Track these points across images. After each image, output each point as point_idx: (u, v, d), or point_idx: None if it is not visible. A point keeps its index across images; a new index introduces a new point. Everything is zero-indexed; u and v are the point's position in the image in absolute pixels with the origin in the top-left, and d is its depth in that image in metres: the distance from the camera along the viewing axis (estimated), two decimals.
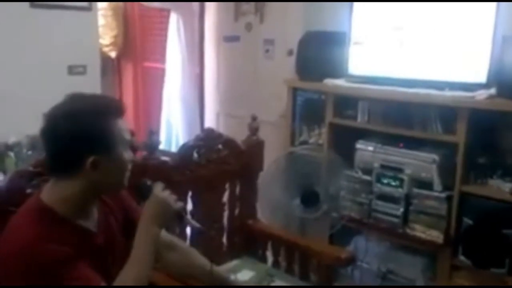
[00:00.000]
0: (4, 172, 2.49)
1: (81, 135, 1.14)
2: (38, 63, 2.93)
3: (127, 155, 1.24)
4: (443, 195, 2.22)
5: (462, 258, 2.18)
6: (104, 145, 1.17)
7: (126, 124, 1.24)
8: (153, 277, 1.44)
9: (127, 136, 1.24)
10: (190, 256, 1.53)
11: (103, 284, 1.15)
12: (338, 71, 2.56)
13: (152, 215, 1.26)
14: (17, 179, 1.40)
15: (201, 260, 1.54)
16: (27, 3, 2.87)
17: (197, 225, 1.46)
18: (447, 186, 2.22)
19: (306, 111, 2.78)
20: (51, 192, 1.19)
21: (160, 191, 1.29)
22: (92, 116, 1.16)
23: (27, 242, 1.09)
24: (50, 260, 1.08)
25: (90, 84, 3.11)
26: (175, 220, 1.36)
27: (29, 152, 2.60)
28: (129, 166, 1.26)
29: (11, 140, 2.63)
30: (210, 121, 3.79)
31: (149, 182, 1.33)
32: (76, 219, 1.20)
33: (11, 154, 2.61)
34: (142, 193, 1.31)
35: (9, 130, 2.61)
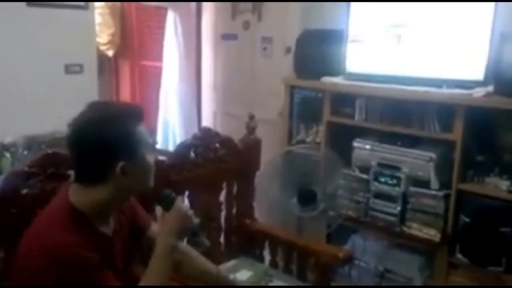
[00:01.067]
0: (0, 172, 2.48)
1: (109, 142, 1.16)
2: (34, 62, 2.91)
3: (151, 157, 1.26)
4: (440, 193, 2.22)
5: (459, 256, 2.18)
6: (131, 151, 1.19)
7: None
8: None
9: (149, 140, 1.27)
10: (192, 258, 1.53)
11: None
12: (335, 69, 2.55)
13: (172, 228, 1.29)
14: (12, 180, 1.40)
15: (203, 261, 1.56)
16: (23, 2, 2.86)
17: (207, 243, 1.48)
18: (444, 184, 2.22)
19: (304, 109, 2.78)
20: (81, 196, 1.20)
21: (182, 205, 1.33)
22: (117, 123, 1.18)
23: (62, 246, 1.10)
24: (84, 266, 1.11)
25: (87, 83, 3.09)
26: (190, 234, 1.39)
27: (25, 152, 2.58)
28: (154, 168, 1.29)
29: (7, 140, 2.61)
30: (207, 120, 3.79)
31: (172, 194, 1.34)
32: (99, 225, 1.23)
33: (7, 154, 2.59)
34: (164, 204, 1.33)
35: (5, 130, 2.59)
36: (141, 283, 1.23)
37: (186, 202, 1.97)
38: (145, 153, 1.23)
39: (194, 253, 1.55)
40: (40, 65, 2.94)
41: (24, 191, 1.38)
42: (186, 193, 1.96)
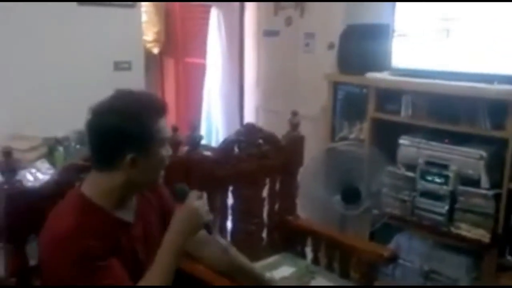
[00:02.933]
0: (54, 166, 2.59)
1: (124, 132, 1.17)
2: (85, 59, 3.03)
3: (165, 152, 1.27)
4: (490, 192, 2.14)
5: (509, 258, 2.10)
6: (144, 144, 1.20)
7: (165, 121, 1.26)
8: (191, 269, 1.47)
9: (167, 134, 1.28)
10: (227, 252, 1.54)
11: (130, 284, 1.19)
12: (380, 64, 2.50)
13: (181, 223, 1.26)
14: (66, 173, 1.46)
15: (239, 257, 1.56)
16: (74, 1, 2.97)
17: (222, 241, 1.45)
18: (495, 184, 2.14)
19: (347, 105, 2.74)
20: (91, 184, 1.24)
21: (194, 200, 1.29)
22: (136, 114, 1.19)
23: (66, 232, 1.14)
24: (85, 253, 1.13)
25: (135, 80, 3.19)
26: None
27: (77, 146, 2.69)
28: (165, 164, 1.28)
29: (60, 134, 2.73)
30: (249, 116, 3.80)
31: (186, 188, 1.34)
32: (114, 211, 1.25)
33: (60, 148, 2.71)
34: (178, 197, 1.33)
35: (58, 125, 2.71)
36: (143, 281, 1.22)
37: (230, 197, 2.00)
38: (159, 148, 1.23)
39: (233, 250, 1.56)
40: (91, 62, 3.05)
41: (77, 184, 1.44)
42: (230, 188, 1.99)
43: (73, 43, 2.99)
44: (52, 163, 2.63)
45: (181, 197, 1.31)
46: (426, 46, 2.35)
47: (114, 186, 1.22)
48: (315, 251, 2.12)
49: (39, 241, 1.22)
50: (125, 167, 1.19)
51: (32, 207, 1.36)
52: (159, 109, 1.24)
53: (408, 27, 2.40)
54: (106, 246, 1.17)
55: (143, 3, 3.62)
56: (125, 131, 1.17)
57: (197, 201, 1.29)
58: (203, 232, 1.35)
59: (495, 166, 2.14)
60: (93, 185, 1.24)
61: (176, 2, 4.31)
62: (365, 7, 2.85)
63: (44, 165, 2.56)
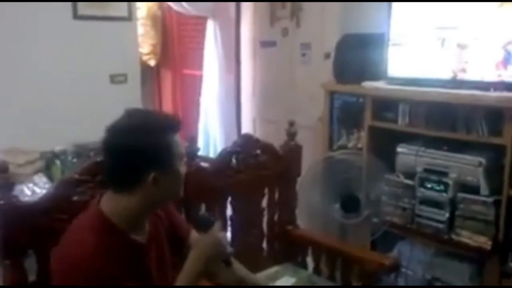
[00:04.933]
0: (51, 179, 2.58)
1: (144, 151, 1.16)
2: (81, 72, 3.03)
3: (182, 168, 1.26)
4: (490, 199, 2.13)
5: (511, 265, 2.09)
6: (164, 162, 1.19)
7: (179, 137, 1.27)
8: None
9: (182, 150, 1.27)
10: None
11: None
12: (377, 73, 2.51)
13: (205, 253, 1.27)
14: (63, 187, 1.45)
15: (241, 269, 1.54)
16: (70, 15, 2.98)
17: (238, 273, 1.45)
18: (494, 190, 2.13)
19: (344, 114, 2.74)
20: (111, 204, 1.21)
21: (218, 230, 1.31)
22: (154, 132, 1.18)
23: (86, 252, 1.12)
24: (104, 275, 1.11)
25: (131, 92, 3.19)
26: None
27: (74, 160, 2.68)
28: (183, 178, 1.28)
29: (57, 148, 2.72)
30: (247, 127, 3.81)
31: (211, 218, 1.35)
32: (130, 233, 1.23)
33: (57, 162, 2.70)
34: (202, 226, 1.33)
35: (56, 138, 2.70)
36: None
37: (229, 208, 1.98)
38: (177, 164, 1.23)
39: (234, 262, 1.54)
40: (87, 75, 3.06)
41: (74, 198, 1.43)
42: (229, 199, 1.98)
43: (69, 56, 3.00)
44: (50, 177, 2.62)
45: (204, 226, 1.32)
46: (422, 55, 2.36)
47: (135, 206, 1.20)
48: (316, 261, 2.10)
49: (53, 254, 1.19)
50: (147, 186, 1.17)
51: (29, 222, 1.35)
52: (174, 125, 1.24)
53: (403, 36, 2.41)
54: (124, 268, 1.15)
55: (139, 16, 3.64)
56: (144, 149, 1.16)
57: (221, 232, 1.32)
58: None
59: (494, 173, 2.14)
60: (113, 205, 1.21)
61: (173, 15, 4.33)
62: (360, 17, 2.86)
63: (41, 179, 2.55)
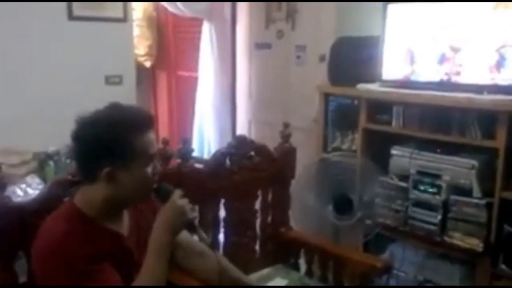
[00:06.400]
0: (44, 180, 2.57)
1: (101, 144, 1.16)
2: (76, 73, 3.03)
3: (149, 169, 1.23)
4: (482, 202, 2.14)
5: (503, 266, 2.10)
6: (123, 158, 1.18)
7: (153, 137, 1.24)
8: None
9: (153, 150, 1.24)
10: (221, 264, 1.51)
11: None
12: (371, 76, 2.52)
13: (165, 221, 1.25)
14: (55, 188, 1.45)
15: (232, 268, 1.55)
16: (65, 16, 2.98)
17: (206, 240, 1.41)
18: (487, 193, 2.14)
19: (339, 116, 2.75)
20: (81, 195, 1.24)
21: (178, 197, 1.28)
22: (116, 127, 1.17)
23: (56, 237, 1.14)
24: (77, 255, 1.12)
25: (126, 94, 3.19)
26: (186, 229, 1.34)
27: (68, 161, 2.67)
28: (152, 180, 1.26)
29: (51, 149, 2.71)
30: (242, 128, 3.81)
31: (169, 187, 1.32)
32: (105, 222, 1.23)
33: (51, 162, 2.69)
34: (161, 196, 1.31)
35: (49, 139, 2.69)
36: (136, 281, 1.20)
37: (222, 209, 1.98)
38: (141, 164, 1.21)
39: (225, 262, 1.54)
40: (82, 76, 3.05)
41: (67, 199, 1.43)
42: (222, 200, 1.98)
43: (64, 57, 2.99)
44: (43, 178, 2.60)
45: (164, 196, 1.29)
46: (416, 57, 2.37)
47: (99, 198, 1.21)
48: (309, 262, 2.11)
49: (32, 251, 1.20)
50: (102, 180, 1.18)
51: (21, 223, 1.35)
52: (144, 123, 1.22)
53: (398, 39, 2.42)
54: (98, 251, 1.15)
55: (134, 17, 3.64)
56: (102, 143, 1.16)
57: (182, 199, 1.28)
58: (192, 243, 1.33)
59: (486, 175, 2.15)
60: (82, 196, 1.24)
61: (169, 16, 4.33)
62: (355, 20, 2.88)
63: (34, 180, 2.54)
